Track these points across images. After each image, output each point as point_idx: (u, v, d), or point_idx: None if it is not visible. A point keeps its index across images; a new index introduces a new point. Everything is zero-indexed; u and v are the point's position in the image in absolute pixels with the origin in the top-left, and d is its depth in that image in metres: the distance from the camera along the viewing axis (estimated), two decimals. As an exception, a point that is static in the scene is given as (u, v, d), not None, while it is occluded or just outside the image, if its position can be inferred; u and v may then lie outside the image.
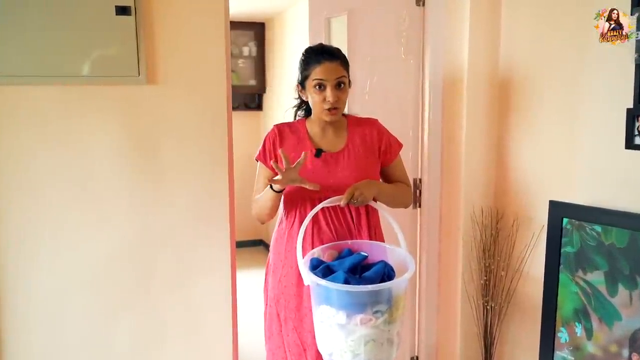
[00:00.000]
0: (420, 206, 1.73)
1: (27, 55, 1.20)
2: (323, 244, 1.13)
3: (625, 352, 1.14)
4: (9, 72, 1.20)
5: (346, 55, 1.18)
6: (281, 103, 3.10)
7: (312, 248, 1.13)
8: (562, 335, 1.28)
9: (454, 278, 1.64)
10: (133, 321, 1.36)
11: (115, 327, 1.34)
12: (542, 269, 1.34)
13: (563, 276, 1.28)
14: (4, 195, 1.24)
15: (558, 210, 1.29)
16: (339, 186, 1.12)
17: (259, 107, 3.65)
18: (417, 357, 1.78)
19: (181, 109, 1.36)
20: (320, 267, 1.04)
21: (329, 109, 1.13)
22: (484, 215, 1.58)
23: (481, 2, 1.53)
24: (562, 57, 1.35)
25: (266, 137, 1.20)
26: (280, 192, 1.13)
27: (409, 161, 1.64)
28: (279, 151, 1.10)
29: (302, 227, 1.08)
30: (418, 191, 1.71)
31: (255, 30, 3.50)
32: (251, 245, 3.64)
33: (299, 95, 1.22)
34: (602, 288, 1.19)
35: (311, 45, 1.21)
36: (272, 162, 1.08)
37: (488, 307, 1.55)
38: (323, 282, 0.98)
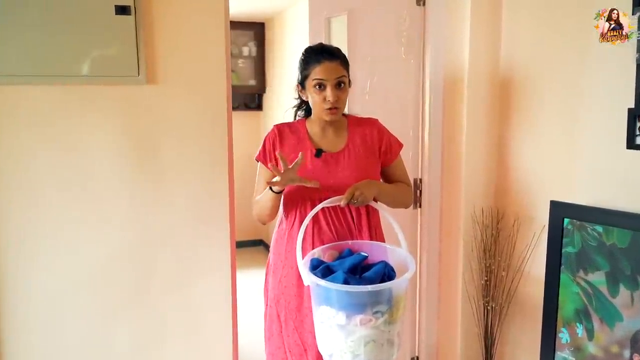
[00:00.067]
0: (420, 206, 1.72)
1: (26, 55, 1.20)
2: (323, 244, 1.13)
3: (627, 353, 1.14)
4: (9, 72, 1.20)
5: (346, 55, 1.18)
6: (281, 103, 3.10)
7: (313, 248, 1.12)
8: (563, 335, 1.28)
9: (455, 278, 1.64)
10: (133, 321, 1.36)
11: (115, 327, 1.34)
12: (543, 269, 1.34)
13: (564, 276, 1.27)
14: (4, 195, 1.24)
15: (559, 211, 1.29)
16: (339, 186, 1.12)
17: (258, 107, 3.65)
18: (417, 358, 1.78)
19: (181, 109, 1.35)
20: (320, 267, 1.04)
21: (329, 109, 1.13)
22: (484, 215, 1.57)
23: (482, 1, 1.53)
24: (563, 57, 1.35)
25: (266, 137, 1.20)
26: (279, 193, 1.13)
27: (410, 161, 1.64)
28: (277, 153, 1.10)
29: (302, 227, 1.08)
30: (418, 191, 1.71)
31: (255, 30, 3.50)
32: (251, 246, 3.64)
33: (299, 95, 1.22)
34: (604, 288, 1.19)
35: (311, 45, 1.21)
36: (270, 165, 1.07)
37: (489, 308, 1.55)
38: (322, 282, 0.97)
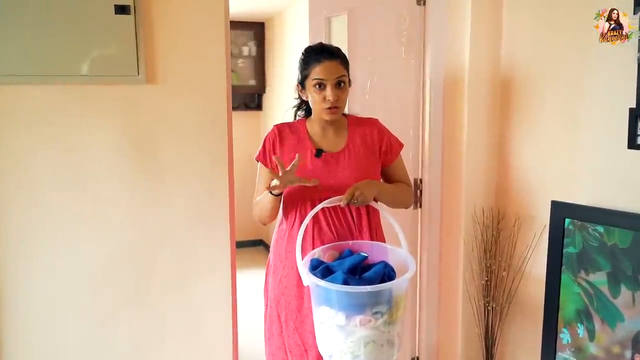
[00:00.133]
0: (421, 206, 1.72)
1: (26, 55, 1.20)
2: (323, 245, 1.12)
3: (628, 354, 1.14)
4: (9, 72, 1.20)
5: (346, 55, 1.18)
6: (281, 103, 3.10)
7: (313, 248, 1.12)
8: (564, 336, 1.27)
9: (455, 278, 1.63)
10: (133, 321, 1.36)
11: (115, 327, 1.34)
12: (544, 269, 1.34)
13: (565, 277, 1.27)
14: (4, 195, 1.24)
15: (560, 211, 1.28)
16: (339, 186, 1.12)
17: (258, 107, 3.65)
18: (417, 358, 1.77)
19: (181, 109, 1.35)
20: (320, 267, 1.04)
21: (329, 108, 1.12)
22: (485, 215, 1.57)
23: (482, 1, 1.52)
24: (564, 56, 1.35)
25: (266, 137, 1.20)
26: (278, 195, 1.12)
27: (410, 161, 1.63)
28: (273, 158, 1.10)
29: (302, 227, 1.08)
30: (419, 191, 1.70)
31: (255, 30, 3.49)
32: (251, 246, 3.64)
33: (299, 95, 1.21)
34: (605, 289, 1.19)
35: (311, 45, 1.20)
36: (269, 171, 1.07)
37: (489, 308, 1.54)
38: (322, 282, 0.97)
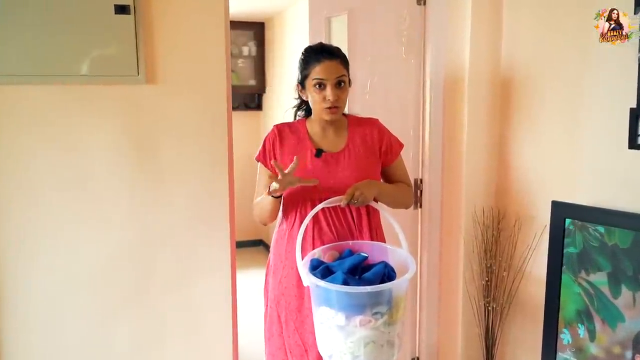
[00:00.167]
0: (421, 206, 1.72)
1: (26, 55, 1.20)
2: (324, 245, 1.12)
3: (629, 354, 1.13)
4: (9, 72, 1.20)
5: (346, 55, 1.18)
6: (281, 103, 3.10)
7: (313, 249, 1.12)
8: (565, 336, 1.27)
9: (455, 278, 1.63)
10: (133, 321, 1.36)
11: (115, 327, 1.34)
12: (545, 269, 1.33)
13: (565, 277, 1.27)
14: (4, 195, 1.24)
15: (560, 211, 1.28)
16: (339, 186, 1.12)
17: (258, 107, 3.65)
18: (418, 358, 1.77)
19: (181, 109, 1.35)
20: (320, 267, 1.04)
21: (329, 108, 1.12)
22: (485, 215, 1.57)
23: (482, 1, 1.52)
24: (564, 56, 1.34)
25: (266, 137, 1.20)
26: (278, 197, 1.12)
27: (410, 161, 1.63)
28: (272, 162, 1.10)
29: (302, 227, 1.07)
30: (419, 191, 1.70)
31: (255, 30, 3.49)
32: (251, 246, 3.64)
33: (299, 95, 1.21)
34: (605, 289, 1.18)
35: (311, 45, 1.20)
36: (269, 174, 1.07)
37: (489, 308, 1.54)
38: (322, 283, 0.97)
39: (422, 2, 1.64)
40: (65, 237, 1.29)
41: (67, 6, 1.21)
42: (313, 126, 1.20)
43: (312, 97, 1.15)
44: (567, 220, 1.26)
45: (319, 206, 1.10)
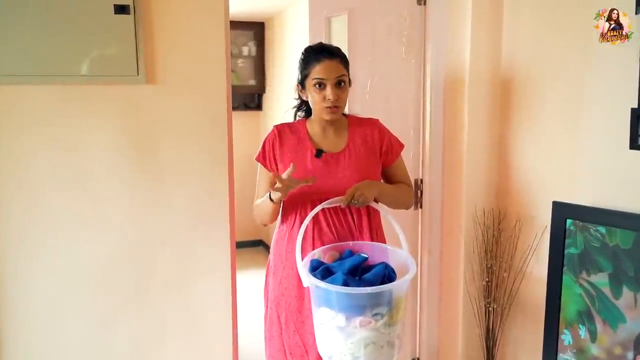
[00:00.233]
0: (421, 207, 1.71)
1: (26, 55, 1.20)
2: (324, 245, 1.12)
3: (630, 355, 1.13)
4: (9, 72, 1.20)
5: (346, 55, 1.17)
6: (281, 103, 3.09)
7: (313, 249, 1.12)
8: (566, 337, 1.27)
9: (456, 279, 1.63)
10: (133, 321, 1.35)
11: (115, 328, 1.34)
12: (545, 270, 1.33)
13: (566, 278, 1.26)
14: (4, 195, 1.24)
15: (561, 211, 1.28)
16: (339, 187, 1.11)
17: (258, 107, 3.65)
18: (418, 359, 1.77)
19: (181, 109, 1.35)
20: (320, 268, 1.03)
21: (329, 107, 1.12)
22: (485, 215, 1.57)
23: (483, 1, 1.52)
24: (564, 56, 1.34)
25: (266, 138, 1.20)
26: (278, 202, 1.12)
27: (410, 161, 1.63)
28: (272, 174, 1.11)
29: (302, 227, 1.07)
30: (419, 191, 1.70)
31: (255, 30, 3.49)
32: (251, 246, 3.64)
33: (299, 95, 1.21)
34: (607, 290, 1.18)
35: (311, 45, 1.20)
36: (269, 181, 1.10)
37: (490, 309, 1.54)
38: (322, 284, 0.97)
39: (422, 2, 1.64)
40: (65, 237, 1.29)
41: (67, 6, 1.21)
42: (313, 126, 1.20)
43: (312, 97, 1.14)
44: (568, 221, 1.26)
45: (319, 207, 1.10)
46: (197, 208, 1.38)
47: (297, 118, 1.25)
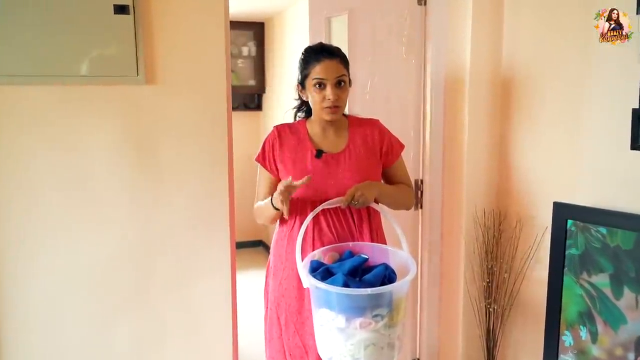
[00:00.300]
0: (421, 207, 1.71)
1: (26, 55, 1.20)
2: (324, 246, 1.12)
3: (631, 356, 1.13)
4: (8, 72, 1.20)
5: (347, 55, 1.17)
6: (281, 103, 3.09)
7: (313, 250, 1.12)
8: (567, 338, 1.27)
9: (456, 280, 1.63)
10: (133, 321, 1.35)
11: (115, 328, 1.34)
12: (546, 271, 1.33)
13: (567, 278, 1.26)
14: (4, 195, 1.24)
15: (562, 212, 1.27)
16: (339, 187, 1.11)
17: (258, 107, 3.64)
18: (418, 359, 1.76)
19: (181, 109, 1.35)
20: (320, 269, 1.03)
21: (329, 107, 1.12)
22: (486, 216, 1.56)
23: (483, 1, 1.52)
24: (564, 56, 1.34)
25: (266, 139, 1.19)
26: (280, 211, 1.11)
27: (410, 162, 1.63)
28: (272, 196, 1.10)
29: (302, 228, 1.07)
30: (419, 192, 1.70)
31: (255, 30, 3.49)
32: (251, 246, 3.64)
33: (299, 95, 1.21)
34: (608, 291, 1.18)
35: (311, 45, 1.20)
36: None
37: (491, 310, 1.54)
38: (322, 285, 0.97)
39: (422, 2, 1.64)
40: (65, 237, 1.29)
41: (67, 6, 1.20)
42: (313, 127, 1.20)
43: (312, 97, 1.14)
44: (569, 222, 1.25)
45: (319, 207, 1.10)
46: (197, 208, 1.38)
47: (297, 118, 1.25)
